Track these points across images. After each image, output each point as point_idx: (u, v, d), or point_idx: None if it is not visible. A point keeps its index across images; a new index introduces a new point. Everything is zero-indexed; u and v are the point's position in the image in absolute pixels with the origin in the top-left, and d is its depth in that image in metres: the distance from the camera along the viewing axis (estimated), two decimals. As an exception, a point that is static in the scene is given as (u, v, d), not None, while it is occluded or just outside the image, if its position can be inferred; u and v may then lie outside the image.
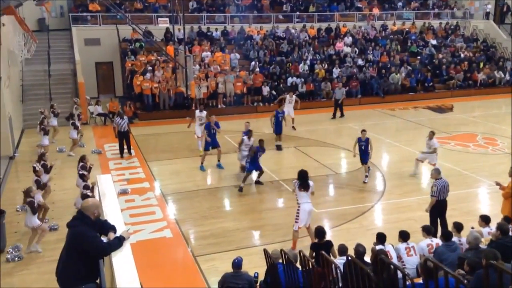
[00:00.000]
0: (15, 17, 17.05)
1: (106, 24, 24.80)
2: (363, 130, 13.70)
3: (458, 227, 7.86)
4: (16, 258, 9.55)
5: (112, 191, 6.55)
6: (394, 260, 7.40)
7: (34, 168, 11.71)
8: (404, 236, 7.92)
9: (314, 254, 7.73)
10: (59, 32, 25.28)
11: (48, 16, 23.87)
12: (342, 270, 6.05)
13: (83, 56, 22.47)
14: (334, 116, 21.29)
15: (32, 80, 21.69)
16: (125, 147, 16.17)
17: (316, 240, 8.22)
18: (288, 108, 18.60)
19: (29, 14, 23.32)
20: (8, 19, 17.07)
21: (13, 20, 17.50)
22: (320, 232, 8.11)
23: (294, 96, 19.29)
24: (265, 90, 22.96)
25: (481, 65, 27.78)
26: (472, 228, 8.58)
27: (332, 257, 7.52)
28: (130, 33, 24.45)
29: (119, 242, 5.04)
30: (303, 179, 9.73)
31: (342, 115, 21.40)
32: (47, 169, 12.05)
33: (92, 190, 9.94)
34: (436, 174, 9.69)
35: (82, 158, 12.00)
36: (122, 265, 4.71)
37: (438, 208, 9.68)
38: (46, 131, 15.91)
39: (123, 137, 16.04)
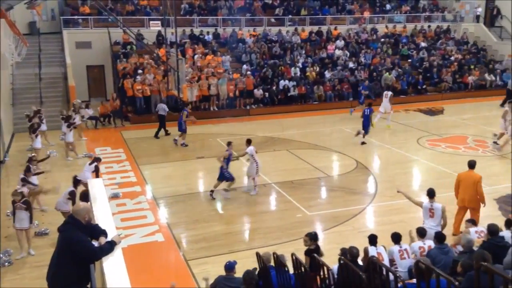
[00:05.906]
0: (6, 20, 16.97)
1: (98, 27, 24.71)
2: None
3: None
4: (7, 263, 9.46)
5: (103, 195, 6.50)
6: (386, 262, 7.41)
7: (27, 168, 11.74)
8: (396, 238, 7.94)
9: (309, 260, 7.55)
10: (50, 36, 25.14)
11: (39, 19, 23.74)
12: (334, 273, 6.05)
13: (74, 60, 22.35)
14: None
15: (22, 84, 21.52)
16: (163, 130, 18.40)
17: (312, 247, 7.77)
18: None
19: (20, 17, 23.19)
20: (-2, 22, 17.00)
21: (3, 23, 17.41)
22: (314, 236, 7.86)
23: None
24: (258, 93, 22.94)
25: (472, 67, 27.99)
26: (461, 232, 8.64)
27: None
28: (121, 36, 24.39)
29: (110, 246, 5.01)
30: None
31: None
32: (30, 171, 11.88)
33: None
34: None
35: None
36: (113, 270, 4.68)
37: None
38: (37, 134, 15.79)
39: (161, 120, 18.35)
